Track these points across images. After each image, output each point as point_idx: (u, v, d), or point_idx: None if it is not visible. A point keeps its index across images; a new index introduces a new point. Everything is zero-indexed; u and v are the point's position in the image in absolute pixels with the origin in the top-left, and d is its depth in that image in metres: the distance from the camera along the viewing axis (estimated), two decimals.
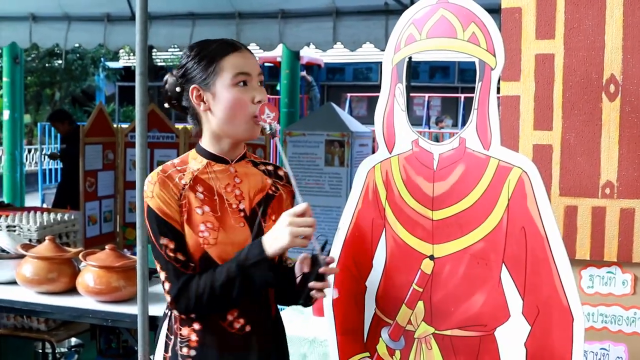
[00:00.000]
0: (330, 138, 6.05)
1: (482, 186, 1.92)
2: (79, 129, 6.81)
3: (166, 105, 2.09)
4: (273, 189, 2.10)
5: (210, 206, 1.97)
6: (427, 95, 18.39)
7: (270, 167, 2.14)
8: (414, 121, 16.63)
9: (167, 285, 1.93)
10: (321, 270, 1.87)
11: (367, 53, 12.88)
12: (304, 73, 16.44)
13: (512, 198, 1.87)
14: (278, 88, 11.86)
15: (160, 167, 1.99)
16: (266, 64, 18.69)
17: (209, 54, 1.97)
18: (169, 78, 2.06)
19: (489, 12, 1.94)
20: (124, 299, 3.40)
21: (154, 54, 16.02)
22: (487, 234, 1.91)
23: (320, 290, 1.89)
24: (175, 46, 7.70)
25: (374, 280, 2.15)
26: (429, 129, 16.41)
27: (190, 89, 1.98)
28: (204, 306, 1.93)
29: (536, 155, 2.37)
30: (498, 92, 2.08)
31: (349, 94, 18.49)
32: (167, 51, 14.80)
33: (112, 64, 21.64)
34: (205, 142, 2.04)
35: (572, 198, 2.36)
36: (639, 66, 2.26)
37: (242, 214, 2.01)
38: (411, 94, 11.81)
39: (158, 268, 1.95)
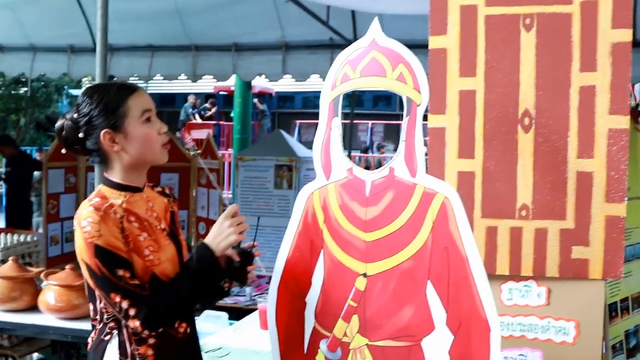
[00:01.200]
0: (279, 163, 6.11)
1: (409, 210, 1.99)
2: (23, 153, 6.74)
3: (64, 151, 2.11)
4: (170, 206, 2.23)
5: (146, 231, 2.04)
6: (370, 122, 18.59)
7: (160, 189, 2.26)
8: (359, 146, 16.81)
9: (132, 311, 1.92)
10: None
11: (315, 83, 12.95)
12: (256, 100, 16.49)
13: (436, 221, 1.95)
14: (232, 115, 11.88)
15: (92, 207, 1.95)
16: (220, 93, 18.71)
17: (114, 99, 2.02)
18: (65, 124, 2.06)
19: (420, 47, 2.02)
20: (84, 316, 3.39)
21: None
22: (414, 253, 1.98)
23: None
24: (136, 75, 7.69)
25: (313, 296, 2.20)
26: (372, 153, 16.57)
27: (102, 134, 2.01)
28: (173, 317, 2.03)
29: (460, 181, 2.45)
30: (425, 122, 2.16)
31: (298, 121, 18.54)
32: (127, 80, 14.67)
33: (75, 92, 21.39)
34: (117, 176, 2.07)
35: (493, 219, 2.45)
36: (550, 102, 2.37)
37: (165, 232, 2.11)
38: (355, 121, 11.95)
39: (117, 299, 1.92)
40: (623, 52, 2.32)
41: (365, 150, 16.70)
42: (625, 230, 2.40)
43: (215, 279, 2.09)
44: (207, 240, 2.04)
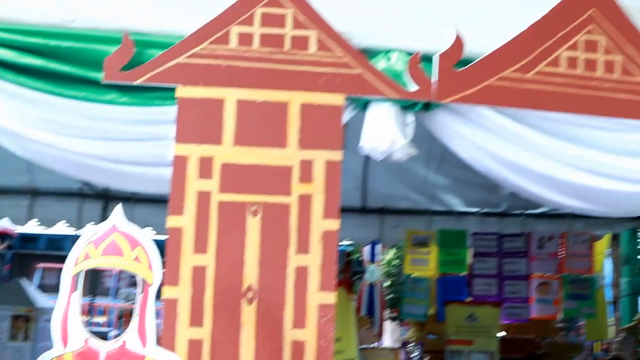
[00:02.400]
0: (16, 313, 5.97)
1: None
2: None
3: None
4: None
5: None
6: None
7: None
8: (104, 291, 16.40)
9: None
10: None
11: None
12: None
13: None
14: None
15: None
16: None
17: None
18: None
19: None
20: None
21: None
22: None
23: None
24: None
25: None
26: (118, 302, 16.16)
27: None
28: None
29: (191, 348, 2.72)
30: (159, 298, 2.44)
31: (41, 265, 17.75)
32: None
33: None
34: None
35: None
36: (270, 279, 2.76)
37: None
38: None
39: None
40: (331, 239, 2.80)
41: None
42: None
43: None
44: None
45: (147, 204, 5.83)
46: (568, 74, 2.98)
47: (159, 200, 5.43)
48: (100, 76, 2.80)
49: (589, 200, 3.17)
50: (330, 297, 2.78)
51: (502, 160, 3.00)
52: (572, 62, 2.99)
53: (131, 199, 6.49)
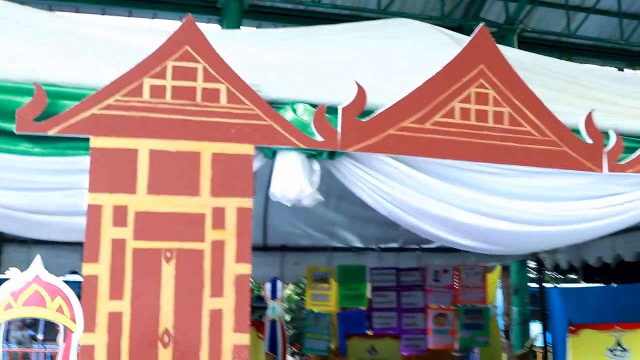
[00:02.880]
0: None
1: None
2: None
3: None
4: None
5: None
6: None
7: None
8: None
9: None
10: None
11: None
12: None
13: None
14: None
15: None
16: None
17: None
18: None
19: None
20: None
21: None
22: None
23: None
24: None
25: None
26: (9, 347, 15.59)
27: None
28: None
29: None
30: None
31: None
32: None
33: None
34: None
35: None
36: (186, 322, 2.87)
37: None
38: None
39: None
40: (244, 282, 2.94)
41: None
42: None
43: None
44: None
45: (45, 246, 5.77)
46: (462, 123, 3.26)
47: (58, 243, 5.43)
48: (13, 127, 2.86)
49: (481, 240, 3.45)
50: (244, 338, 2.91)
51: (402, 203, 3.24)
52: (465, 113, 3.28)
53: (27, 241, 6.44)
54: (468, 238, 3.42)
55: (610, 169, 3.47)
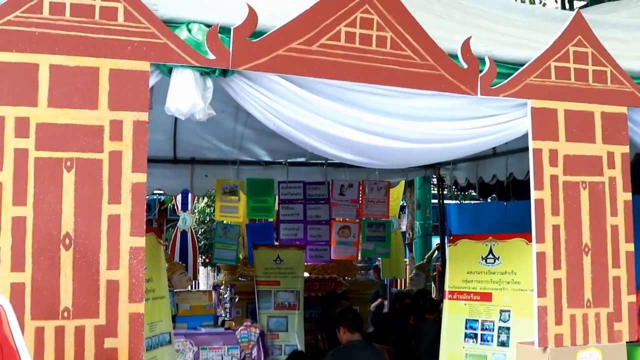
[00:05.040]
0: None
1: None
2: None
3: None
4: None
5: None
6: None
7: None
8: None
9: None
10: None
11: None
12: None
13: None
14: None
15: None
16: None
17: None
18: None
19: None
20: None
21: None
22: None
23: None
24: None
25: None
26: None
27: None
28: None
29: (13, 291, 3.06)
30: None
31: None
32: None
33: None
34: None
35: (40, 321, 3.09)
36: (86, 226, 3.15)
37: None
38: None
39: None
40: (140, 190, 3.23)
41: None
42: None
43: None
44: None
45: None
46: (346, 46, 3.58)
47: None
48: None
49: (361, 154, 3.82)
50: (141, 241, 3.22)
51: (288, 119, 3.56)
52: (351, 36, 3.59)
53: None
54: (349, 152, 3.78)
55: (483, 93, 3.87)
